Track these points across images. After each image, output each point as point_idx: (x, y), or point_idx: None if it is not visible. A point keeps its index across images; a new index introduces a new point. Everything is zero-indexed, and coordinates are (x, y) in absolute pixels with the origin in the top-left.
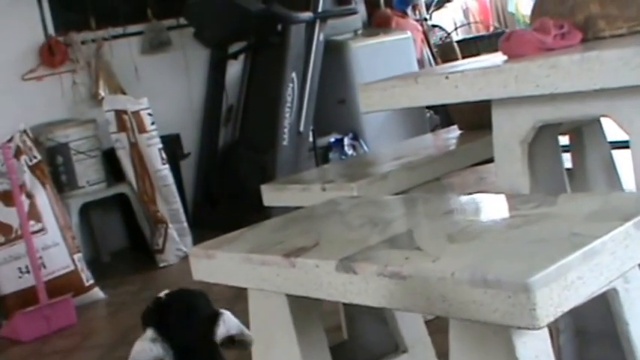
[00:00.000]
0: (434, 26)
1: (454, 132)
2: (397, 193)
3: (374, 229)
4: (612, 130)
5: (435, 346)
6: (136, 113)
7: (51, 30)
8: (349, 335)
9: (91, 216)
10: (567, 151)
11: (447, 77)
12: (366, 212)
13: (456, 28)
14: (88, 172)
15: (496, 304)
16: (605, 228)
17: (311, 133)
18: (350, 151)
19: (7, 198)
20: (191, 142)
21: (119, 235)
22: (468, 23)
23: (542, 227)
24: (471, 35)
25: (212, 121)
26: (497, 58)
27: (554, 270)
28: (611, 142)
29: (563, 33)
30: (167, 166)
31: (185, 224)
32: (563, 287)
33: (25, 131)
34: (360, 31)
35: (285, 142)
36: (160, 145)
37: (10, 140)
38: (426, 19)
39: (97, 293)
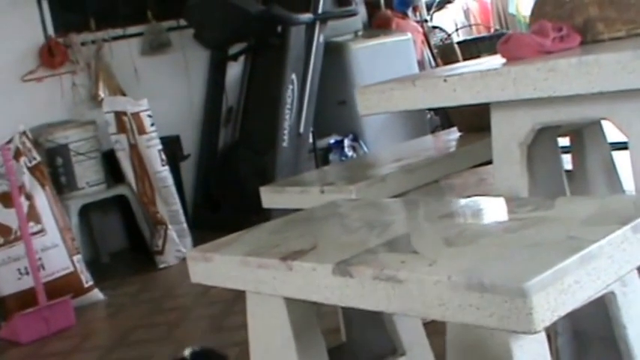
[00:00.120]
0: (434, 27)
1: (454, 134)
2: (396, 196)
3: (371, 232)
4: (613, 132)
5: (434, 348)
6: (136, 115)
7: (51, 31)
8: (347, 337)
9: (90, 217)
10: (568, 152)
11: (445, 80)
12: (363, 215)
13: (456, 30)
14: (87, 174)
15: (492, 308)
16: (602, 232)
17: (311, 135)
18: (350, 153)
19: (7, 199)
20: (191, 144)
21: (119, 237)
22: (469, 25)
23: (539, 231)
24: (471, 36)
25: (212, 122)
26: (496, 60)
27: (551, 274)
28: (611, 144)
29: (562, 36)
30: (167, 167)
31: (185, 225)
32: (559, 291)
33: (24, 132)
34: (360, 33)
35: (285, 144)
36: (160, 147)
37: (9, 142)
38: (426, 21)
39: (97, 295)
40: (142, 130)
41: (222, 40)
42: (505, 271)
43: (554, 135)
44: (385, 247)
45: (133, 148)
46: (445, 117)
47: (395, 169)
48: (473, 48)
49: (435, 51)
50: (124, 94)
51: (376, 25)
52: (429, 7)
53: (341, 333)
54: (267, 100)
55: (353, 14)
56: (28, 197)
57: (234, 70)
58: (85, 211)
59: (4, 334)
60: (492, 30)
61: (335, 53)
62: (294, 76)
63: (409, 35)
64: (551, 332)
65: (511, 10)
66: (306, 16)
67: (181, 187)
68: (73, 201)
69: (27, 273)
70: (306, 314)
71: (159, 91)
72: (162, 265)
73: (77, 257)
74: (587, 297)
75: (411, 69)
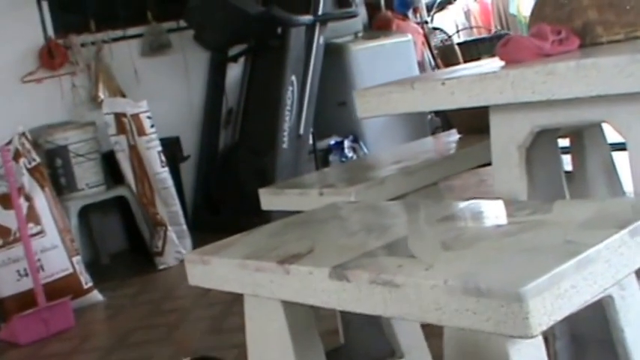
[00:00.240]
0: (435, 29)
1: (454, 135)
2: (395, 198)
3: (369, 236)
4: (613, 132)
5: (432, 350)
6: (136, 116)
7: (51, 32)
8: (346, 340)
9: (90, 218)
10: (568, 152)
11: (443, 83)
12: (362, 218)
13: (457, 31)
14: (87, 175)
15: (489, 312)
16: (599, 236)
17: (311, 136)
18: (350, 154)
19: (6, 201)
20: (191, 145)
21: (118, 238)
22: (470, 27)
23: (536, 235)
24: (472, 38)
25: (212, 123)
26: (494, 63)
27: (548, 279)
28: (611, 144)
29: (560, 39)
30: (166, 168)
31: (184, 227)
32: (556, 296)
33: (24, 134)
34: (360, 34)
35: (284, 145)
36: (160, 148)
37: (9, 143)
38: (426, 22)
39: (96, 296)
40: (141, 132)
41: (222, 42)
42: (501, 276)
43: (554, 137)
44: (382, 250)
45: (133, 150)
46: (446, 118)
47: (394, 171)
48: (473, 49)
49: (435, 52)
50: (123, 96)
51: (376, 27)
52: (429, 9)
53: (339, 335)
54: (267, 102)
55: (353, 16)
56: (28, 198)
57: (234, 72)
58: (85, 213)
59: (4, 336)
60: (493, 30)
61: (335, 54)
62: (294, 78)
63: (409, 36)
64: (549, 335)
65: (512, 10)
66: (306, 18)
67: (181, 189)
68: (73, 202)
69: (26, 274)
70: (303, 317)
71: (159, 92)
72: (161, 267)
73: (76, 258)
74: (583, 301)
75: (411, 70)
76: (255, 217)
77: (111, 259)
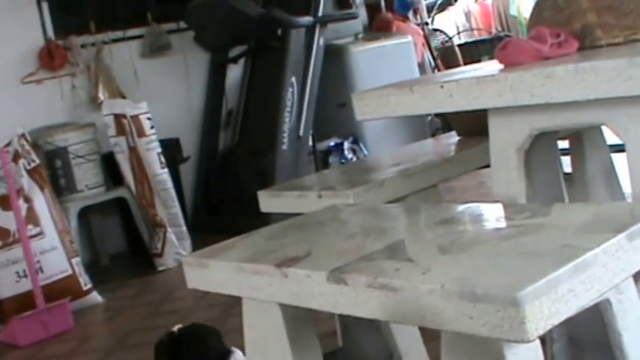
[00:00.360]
0: (435, 30)
1: (453, 137)
2: (394, 200)
3: (367, 239)
4: (612, 134)
5: (430, 353)
6: (135, 117)
7: (51, 33)
8: (344, 343)
9: (89, 220)
10: (567, 154)
11: (442, 86)
12: (360, 221)
13: (458, 33)
14: (86, 176)
15: (485, 317)
16: (597, 240)
17: (311, 137)
18: (350, 155)
19: (5, 202)
20: (191, 146)
21: (118, 239)
22: (471, 29)
23: (534, 238)
24: (472, 39)
25: (212, 125)
26: (493, 66)
27: (544, 283)
28: (611, 146)
29: (559, 42)
30: (166, 170)
31: (184, 228)
32: (553, 300)
33: (23, 135)
34: (360, 35)
35: (284, 147)
36: (159, 150)
37: (8, 144)
38: (427, 23)
39: (95, 297)
40: (141, 133)
41: (222, 43)
42: (498, 280)
43: (553, 140)
44: (380, 254)
45: (133, 151)
46: (445, 120)
47: (393, 173)
48: (473, 50)
49: (435, 53)
50: (123, 97)
51: (377, 28)
52: (429, 10)
53: (337, 338)
54: (267, 103)
55: (353, 17)
56: (27, 200)
57: (234, 73)
58: (85, 214)
59: (3, 337)
60: (494, 32)
61: (335, 56)
62: (294, 79)
63: (409, 38)
64: (547, 338)
65: (512, 12)
66: (306, 19)
67: (181, 190)
68: (73, 203)
69: (25, 276)
70: (301, 320)
71: (159, 93)
72: (161, 268)
73: (76, 260)
74: (581, 306)
75: (411, 72)
76: (255, 218)
77: (110, 261)
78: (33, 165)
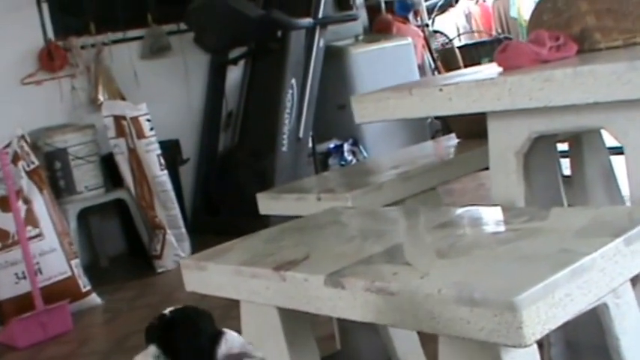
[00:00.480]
0: (435, 32)
1: (453, 140)
2: (393, 203)
3: (365, 243)
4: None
5: (428, 356)
6: (135, 119)
7: (50, 34)
8: (342, 345)
9: (89, 221)
10: (567, 156)
11: (441, 89)
12: (358, 224)
13: (458, 35)
14: (86, 178)
15: (482, 322)
16: (594, 244)
17: (310, 139)
18: (349, 157)
19: (4, 203)
20: (190, 148)
21: (117, 241)
22: (472, 31)
23: (531, 243)
24: (472, 41)
25: (211, 126)
26: (493, 69)
27: (542, 288)
28: (610, 148)
29: (558, 45)
30: (165, 171)
31: (183, 230)
32: (550, 305)
33: (22, 136)
34: (360, 37)
35: (284, 148)
36: (159, 151)
37: (7, 145)
38: (427, 25)
39: (94, 299)
40: (140, 135)
41: (222, 44)
42: (496, 285)
43: (552, 143)
44: (378, 257)
45: (132, 153)
46: (445, 122)
47: (392, 176)
48: (473, 52)
49: (435, 55)
50: (123, 98)
51: (377, 30)
52: (430, 12)
53: (336, 341)
54: (266, 105)
55: (353, 19)
56: (26, 201)
57: (234, 74)
58: (84, 215)
59: (1, 339)
60: (494, 33)
61: (335, 58)
62: (293, 81)
63: (410, 40)
64: (545, 342)
65: (512, 13)
66: (306, 21)
67: (180, 191)
68: (72, 205)
69: (24, 277)
70: (299, 324)
71: (159, 94)
72: (160, 270)
73: (75, 262)
74: (578, 310)
75: (411, 74)
76: (255, 219)
77: (110, 262)
78: (32, 166)
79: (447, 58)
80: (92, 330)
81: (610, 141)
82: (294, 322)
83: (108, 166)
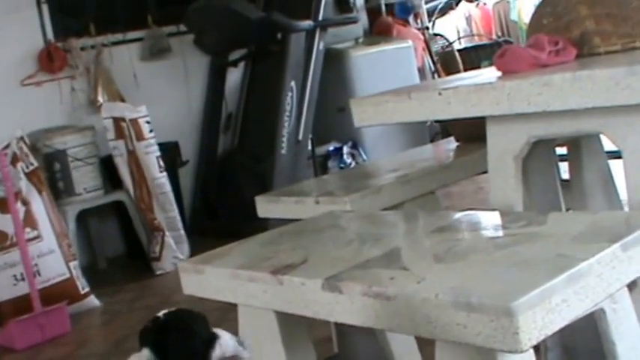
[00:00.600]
0: (436, 35)
1: (452, 143)
2: (391, 207)
3: (363, 247)
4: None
5: (425, 359)
6: (134, 121)
7: (50, 36)
8: (339, 349)
9: (88, 223)
10: (566, 160)
11: (440, 93)
12: (356, 228)
13: (459, 38)
14: (85, 179)
15: (479, 327)
16: (592, 250)
17: (310, 142)
18: (349, 160)
19: (3, 205)
20: (190, 150)
21: (116, 242)
22: (472, 34)
23: (529, 248)
24: (472, 44)
25: (211, 128)
26: (492, 73)
27: (538, 293)
28: (608, 152)
29: (557, 49)
30: (165, 174)
31: (182, 232)
32: (547, 310)
33: (22, 138)
34: (361, 40)
35: (283, 151)
36: (158, 153)
37: (6, 147)
38: (427, 28)
39: (93, 301)
40: (140, 137)
41: (222, 46)
42: (492, 290)
43: (550, 147)
44: (376, 262)
45: (131, 155)
46: (444, 125)
47: (391, 179)
48: (473, 55)
49: (435, 58)
50: (123, 100)
51: (377, 32)
52: (430, 14)
53: (333, 344)
54: (266, 107)
55: (353, 22)
56: (25, 203)
57: (233, 77)
58: (83, 217)
59: (0, 341)
60: (494, 37)
61: (335, 60)
62: (293, 83)
63: (410, 42)
64: (541, 346)
65: (513, 16)
66: (306, 23)
67: (180, 194)
68: (71, 207)
69: (23, 279)
70: (297, 327)
71: (158, 96)
72: (159, 272)
73: (73, 263)
74: (574, 316)
75: (411, 76)
76: (254, 222)
77: (108, 264)
78: (31, 168)
79: (446, 61)
80: (90, 332)
81: (608, 145)
82: (292, 325)
83: (107, 167)
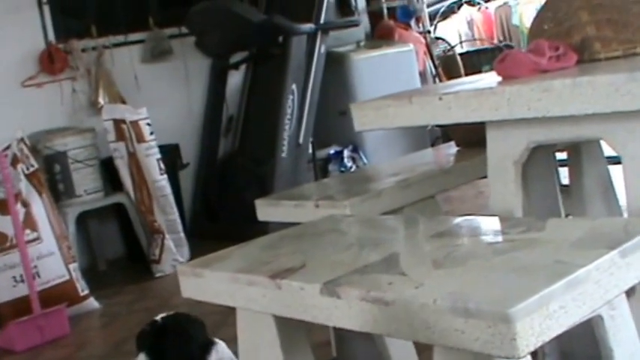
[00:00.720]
0: (437, 38)
1: (453, 148)
2: (391, 211)
3: (362, 251)
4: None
5: None
6: (135, 123)
7: (51, 37)
8: (338, 353)
9: (88, 225)
10: (566, 165)
11: (440, 98)
12: (356, 232)
13: (460, 42)
14: (85, 181)
15: (477, 333)
16: (590, 256)
17: (310, 145)
18: (349, 164)
19: (3, 206)
20: (190, 152)
21: (116, 245)
22: (474, 39)
23: (527, 254)
24: (473, 48)
25: (212, 131)
26: (492, 78)
27: (536, 300)
28: (608, 158)
29: (558, 55)
30: (165, 176)
31: (182, 235)
32: (544, 317)
33: (22, 139)
34: (362, 43)
35: (284, 154)
36: (159, 156)
37: (7, 148)
38: (429, 32)
39: (92, 303)
40: (140, 139)
41: (223, 49)
42: (490, 296)
43: (550, 152)
44: (374, 267)
45: (132, 157)
46: (445, 130)
47: (391, 184)
48: (475, 60)
49: (437, 62)
50: (123, 102)
51: (378, 36)
52: (432, 18)
53: (331, 348)
54: (267, 110)
55: (354, 25)
56: (25, 204)
57: (234, 79)
58: (83, 219)
59: None
60: (495, 41)
61: (336, 63)
62: (294, 86)
63: (411, 46)
64: (540, 353)
65: (514, 21)
66: (308, 26)
67: (180, 196)
68: (71, 209)
69: (22, 280)
70: (295, 331)
71: (159, 98)
72: (158, 274)
73: (73, 265)
74: (572, 322)
75: (412, 80)
76: (254, 225)
77: (108, 266)
78: (31, 169)
79: (448, 65)
80: (89, 334)
81: (609, 150)
82: (290, 330)
83: (107, 169)
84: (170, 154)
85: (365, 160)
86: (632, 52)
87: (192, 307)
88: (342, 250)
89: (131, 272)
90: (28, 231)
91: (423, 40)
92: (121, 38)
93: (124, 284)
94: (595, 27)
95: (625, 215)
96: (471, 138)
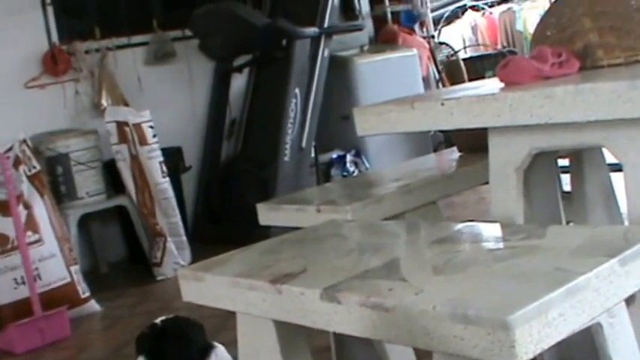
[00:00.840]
0: (441, 43)
1: (455, 153)
2: (393, 216)
3: (362, 257)
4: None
5: None
6: (138, 125)
7: (55, 38)
8: (338, 358)
9: (90, 227)
10: (568, 172)
11: (442, 104)
12: (357, 238)
13: (464, 47)
14: (87, 183)
15: (476, 339)
16: (590, 264)
17: (313, 149)
18: (352, 168)
19: (5, 208)
20: (193, 155)
21: (118, 247)
22: (477, 44)
23: (528, 261)
24: (477, 54)
25: (215, 134)
26: (495, 84)
27: (535, 307)
28: (610, 165)
29: (561, 61)
30: (167, 179)
31: (184, 238)
32: (543, 324)
33: (24, 141)
34: (366, 47)
35: (286, 158)
36: (161, 158)
37: (9, 150)
38: (433, 37)
39: (93, 306)
40: (143, 141)
41: (227, 52)
42: (490, 303)
43: (552, 159)
44: (375, 272)
45: (134, 159)
46: (447, 135)
47: (393, 189)
48: (478, 65)
49: (440, 67)
50: (126, 104)
51: (382, 40)
52: (436, 23)
53: (331, 353)
54: (270, 113)
55: (358, 29)
56: (27, 206)
57: (238, 82)
58: (85, 221)
59: None
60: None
61: (340, 68)
62: (297, 90)
63: (415, 51)
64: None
65: (518, 27)
66: (312, 30)
67: (182, 199)
68: (73, 211)
69: (23, 283)
70: (295, 336)
71: (162, 101)
72: (160, 277)
73: (74, 268)
74: (571, 330)
75: (416, 85)
76: (256, 229)
77: (110, 269)
78: (34, 171)
79: (451, 71)
80: (90, 336)
81: (610, 158)
82: (290, 334)
83: (110, 172)
84: (173, 157)
85: (367, 165)
86: (635, 59)
87: (192, 311)
88: (342, 255)
89: (133, 275)
90: (29, 233)
91: (427, 45)
92: (124, 40)
93: (125, 287)
94: (598, 34)
95: (626, 223)
96: (473, 144)
